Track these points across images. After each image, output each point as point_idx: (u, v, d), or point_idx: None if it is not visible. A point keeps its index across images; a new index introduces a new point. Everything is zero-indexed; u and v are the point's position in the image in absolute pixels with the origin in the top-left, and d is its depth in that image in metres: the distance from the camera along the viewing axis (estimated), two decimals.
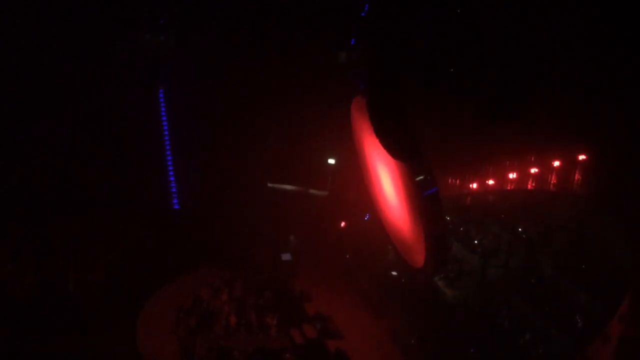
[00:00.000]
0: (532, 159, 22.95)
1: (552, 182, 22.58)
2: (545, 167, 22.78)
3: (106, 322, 19.90)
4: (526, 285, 19.25)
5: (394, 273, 23.13)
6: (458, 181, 24.63)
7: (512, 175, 23.29)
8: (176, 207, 27.22)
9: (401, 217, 15.57)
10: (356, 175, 21.14)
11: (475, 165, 23.78)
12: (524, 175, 23.22)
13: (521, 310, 18.76)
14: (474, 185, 24.32)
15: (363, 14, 20.10)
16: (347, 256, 25.33)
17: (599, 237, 18.88)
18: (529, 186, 23.00)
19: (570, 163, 22.14)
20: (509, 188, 23.29)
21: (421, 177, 13.01)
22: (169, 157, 28.30)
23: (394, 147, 13.57)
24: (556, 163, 22.56)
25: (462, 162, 23.27)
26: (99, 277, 21.83)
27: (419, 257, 14.63)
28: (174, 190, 27.54)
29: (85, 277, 21.59)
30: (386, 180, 16.13)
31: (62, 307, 20.30)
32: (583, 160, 21.86)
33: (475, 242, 21.43)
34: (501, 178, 23.63)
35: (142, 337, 19.35)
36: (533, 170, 23.05)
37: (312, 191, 28.11)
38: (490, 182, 23.84)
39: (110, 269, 22.38)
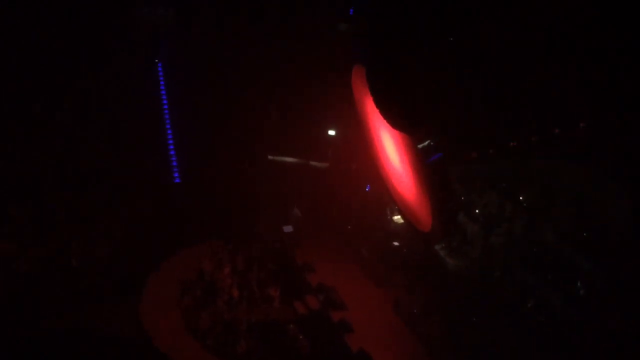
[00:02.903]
0: (534, 126, 22.65)
1: (553, 149, 22.30)
2: (547, 135, 22.49)
3: (110, 296, 19.98)
4: (528, 253, 19.19)
5: (396, 243, 23.12)
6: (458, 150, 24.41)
7: (512, 144, 23.04)
8: (177, 181, 27.13)
9: (407, 183, 15.55)
10: (357, 146, 21.03)
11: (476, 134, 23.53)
12: (524, 143, 22.96)
13: (523, 277, 18.72)
14: (474, 154, 24.11)
15: None
16: (349, 227, 25.28)
17: (601, 204, 18.75)
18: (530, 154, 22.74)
19: (571, 130, 21.86)
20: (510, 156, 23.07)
21: (424, 144, 12.96)
22: (169, 131, 28.16)
23: (395, 117, 13.46)
24: (557, 130, 22.26)
25: (462, 131, 23.03)
26: (102, 251, 21.81)
27: (426, 223, 14.62)
28: (174, 164, 27.42)
29: (88, 251, 21.60)
30: (390, 148, 16.07)
31: (66, 281, 20.36)
32: (584, 126, 21.57)
33: (477, 211, 21.35)
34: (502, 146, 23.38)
35: (146, 311, 19.40)
36: (533, 138, 22.78)
37: (313, 163, 27.97)
38: (491, 150, 23.60)
39: (113, 243, 22.36)
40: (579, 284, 17.26)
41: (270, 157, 28.03)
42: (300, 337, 19.06)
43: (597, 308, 16.12)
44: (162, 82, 28.70)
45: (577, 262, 17.75)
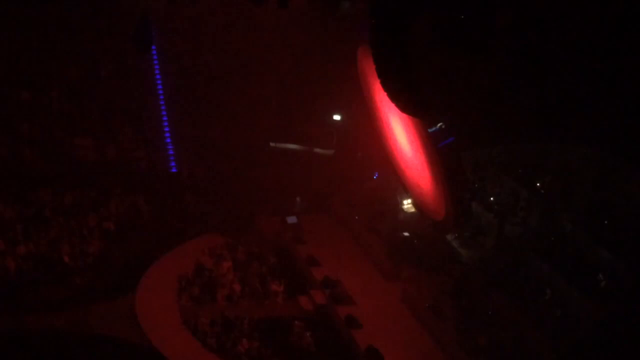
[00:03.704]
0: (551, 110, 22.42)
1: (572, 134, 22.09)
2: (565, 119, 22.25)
3: (104, 294, 19.98)
4: (545, 244, 19.10)
5: (406, 234, 23.07)
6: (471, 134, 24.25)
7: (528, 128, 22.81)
8: (173, 170, 27.10)
9: (418, 170, 15.51)
10: (364, 131, 20.95)
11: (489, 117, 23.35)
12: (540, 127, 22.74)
13: (540, 269, 18.65)
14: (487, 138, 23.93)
15: None
16: (356, 217, 25.23)
17: (623, 191, 18.65)
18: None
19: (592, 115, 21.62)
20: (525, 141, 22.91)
21: (435, 128, 12.90)
22: (165, 119, 28.07)
23: (403, 100, 13.36)
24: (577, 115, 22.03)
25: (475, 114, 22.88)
26: (94, 248, 21.77)
27: (438, 211, 14.62)
28: (170, 152, 27.37)
29: (80, 248, 21.54)
30: (400, 132, 16.00)
31: (59, 279, 20.34)
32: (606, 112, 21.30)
33: (491, 199, 21.26)
34: None
35: (142, 309, 19.34)
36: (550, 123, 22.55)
37: (317, 150, 27.90)
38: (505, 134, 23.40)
39: (106, 238, 22.33)
40: (600, 277, 17.18)
41: (272, 144, 27.96)
42: (306, 334, 19.07)
43: (619, 304, 16.04)
44: (156, 67, 28.58)
45: (597, 253, 17.66)
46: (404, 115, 14.32)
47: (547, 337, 17.13)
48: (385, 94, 13.79)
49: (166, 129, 27.67)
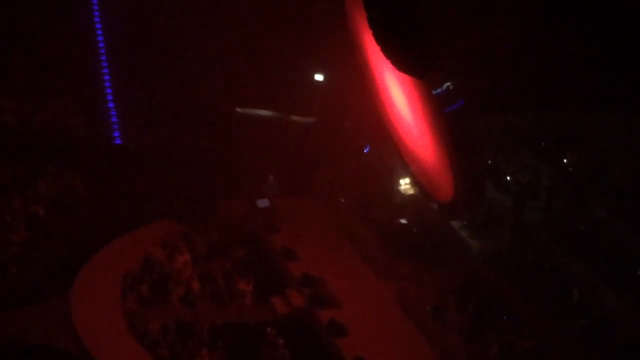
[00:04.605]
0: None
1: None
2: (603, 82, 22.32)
3: (32, 295, 19.77)
4: (574, 234, 19.09)
5: (404, 221, 23.07)
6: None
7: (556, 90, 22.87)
8: (117, 142, 26.93)
9: (421, 141, 15.55)
10: (353, 94, 20.85)
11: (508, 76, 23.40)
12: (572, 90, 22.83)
13: (567, 265, 18.63)
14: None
15: None
16: (342, 200, 25.18)
17: None
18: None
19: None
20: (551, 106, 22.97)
21: (441, 89, 12.83)
22: (107, 77, 27.82)
23: (400, 56, 13.23)
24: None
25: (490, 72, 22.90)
26: (19, 237, 21.56)
27: (445, 191, 14.63)
28: (114, 120, 27.15)
29: (1, 237, 21.31)
30: (397, 93, 15.97)
31: None
32: None
33: (508, 178, 21.25)
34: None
35: (78, 313, 19.07)
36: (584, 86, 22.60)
37: (294, 117, 27.80)
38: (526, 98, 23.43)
39: (33, 225, 22.08)
40: None
41: (239, 109, 27.82)
42: (281, 342, 18.92)
43: None
44: (95, 9, 28.28)
45: (638, 245, 17.71)
46: (403, 74, 14.24)
47: (575, 347, 17.13)
48: (379, 47, 13.71)
49: (108, 90, 27.43)
